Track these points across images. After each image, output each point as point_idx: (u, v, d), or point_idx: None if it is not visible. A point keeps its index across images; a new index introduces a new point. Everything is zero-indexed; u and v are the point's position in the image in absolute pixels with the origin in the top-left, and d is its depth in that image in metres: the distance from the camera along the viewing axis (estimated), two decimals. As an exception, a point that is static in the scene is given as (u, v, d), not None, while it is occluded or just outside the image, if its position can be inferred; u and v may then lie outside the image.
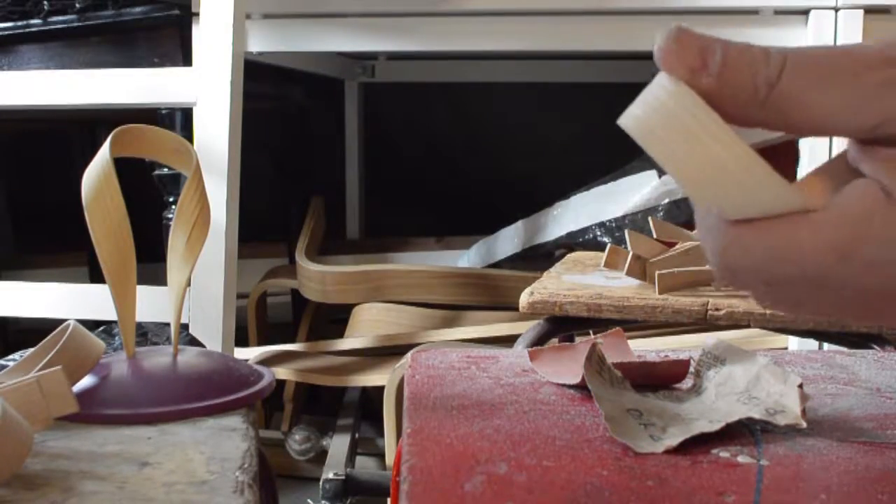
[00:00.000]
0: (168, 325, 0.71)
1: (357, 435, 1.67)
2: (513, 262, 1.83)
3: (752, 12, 1.44)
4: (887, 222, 0.29)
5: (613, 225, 1.65)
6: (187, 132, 1.33)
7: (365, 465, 1.63)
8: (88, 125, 2.14)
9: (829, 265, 0.29)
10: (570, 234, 1.70)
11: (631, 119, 0.30)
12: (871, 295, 0.29)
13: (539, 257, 1.77)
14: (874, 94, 0.29)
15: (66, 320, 0.52)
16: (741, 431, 0.44)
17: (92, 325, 1.36)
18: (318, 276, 1.71)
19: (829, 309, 0.31)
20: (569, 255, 1.16)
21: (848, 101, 0.29)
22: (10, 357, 1.10)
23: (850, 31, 1.40)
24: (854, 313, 0.31)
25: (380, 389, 1.48)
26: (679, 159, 0.30)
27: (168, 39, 1.45)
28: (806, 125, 0.30)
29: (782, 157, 0.33)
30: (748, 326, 0.85)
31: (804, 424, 0.44)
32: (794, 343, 1.39)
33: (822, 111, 0.29)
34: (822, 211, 0.29)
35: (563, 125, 2.38)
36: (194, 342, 1.26)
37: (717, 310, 0.83)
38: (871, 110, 0.29)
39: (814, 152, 1.35)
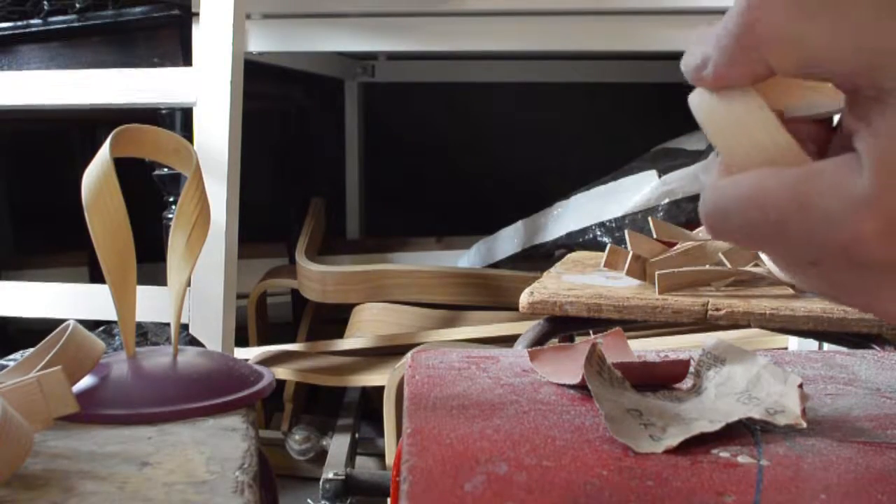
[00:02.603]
0: (168, 325, 0.71)
1: (357, 435, 1.67)
2: (513, 262, 1.83)
3: (752, 12, 1.43)
4: (842, 178, 0.28)
5: (613, 225, 1.65)
6: (187, 132, 1.33)
7: (365, 465, 1.63)
8: (88, 125, 2.14)
9: (789, 212, 0.29)
10: (570, 234, 1.70)
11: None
12: (826, 252, 0.29)
13: (539, 257, 1.77)
14: (863, 32, 0.27)
15: (66, 320, 0.52)
16: (741, 431, 0.44)
17: (92, 325, 1.36)
18: (318, 276, 1.71)
19: (791, 260, 0.31)
20: (569, 255, 1.16)
21: (837, 38, 0.28)
22: (10, 357, 1.10)
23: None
24: (812, 271, 0.31)
25: (380, 389, 1.48)
26: (723, 136, 0.32)
27: (168, 39, 1.45)
28: (793, 65, 0.29)
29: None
30: (748, 326, 0.85)
31: (804, 424, 0.44)
32: (794, 343, 1.39)
33: (811, 46, 0.28)
34: (796, 167, 0.30)
35: (564, 125, 2.38)
36: (194, 342, 1.26)
37: (717, 310, 0.83)
38: (862, 50, 0.28)
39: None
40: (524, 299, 0.89)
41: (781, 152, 0.31)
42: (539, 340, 0.90)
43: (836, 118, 0.34)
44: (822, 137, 0.33)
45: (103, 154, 0.54)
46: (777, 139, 0.31)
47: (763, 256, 0.88)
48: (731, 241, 0.33)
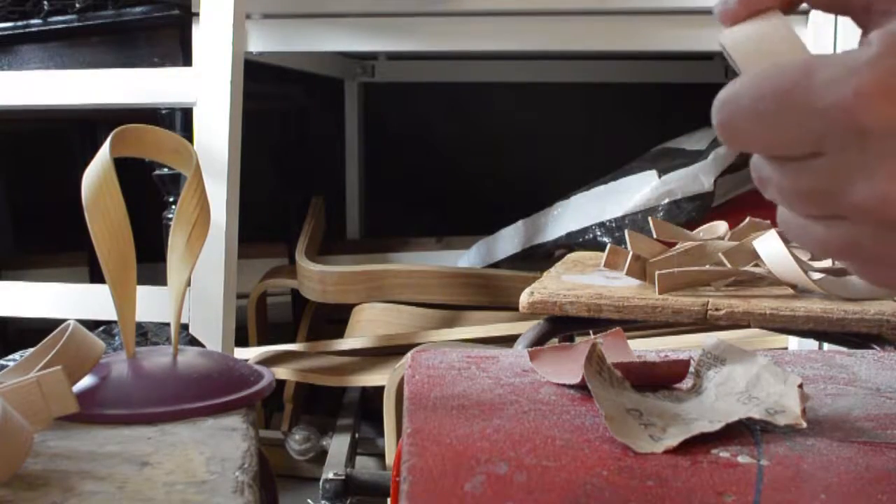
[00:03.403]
0: (168, 325, 0.71)
1: (357, 435, 1.67)
2: (513, 262, 1.83)
3: (752, 12, 1.43)
4: (847, 53, 0.29)
5: (613, 225, 1.65)
6: (187, 132, 1.33)
7: (365, 465, 1.63)
8: (88, 125, 2.14)
9: (796, 80, 0.30)
10: (570, 234, 1.70)
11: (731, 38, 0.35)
12: (829, 123, 0.29)
13: (539, 257, 1.77)
14: None
15: (66, 320, 0.52)
16: (741, 431, 0.44)
17: (92, 325, 1.36)
18: (318, 276, 1.71)
19: (794, 146, 0.31)
20: (569, 255, 1.16)
21: None
22: (10, 357, 1.10)
23: (851, 32, 1.40)
24: (813, 164, 0.31)
25: (380, 389, 1.48)
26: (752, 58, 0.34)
27: (168, 39, 1.45)
28: None
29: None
30: (748, 326, 0.85)
31: (804, 424, 0.44)
32: (794, 343, 1.39)
33: None
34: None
35: (563, 125, 2.38)
36: (194, 342, 1.26)
37: (717, 310, 0.83)
38: None
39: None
40: (524, 299, 0.89)
41: None
42: (539, 340, 0.90)
43: None
44: None
45: (103, 154, 0.54)
46: (799, 52, 0.33)
47: (762, 254, 0.88)
48: (739, 128, 0.32)
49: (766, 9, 0.33)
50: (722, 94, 0.32)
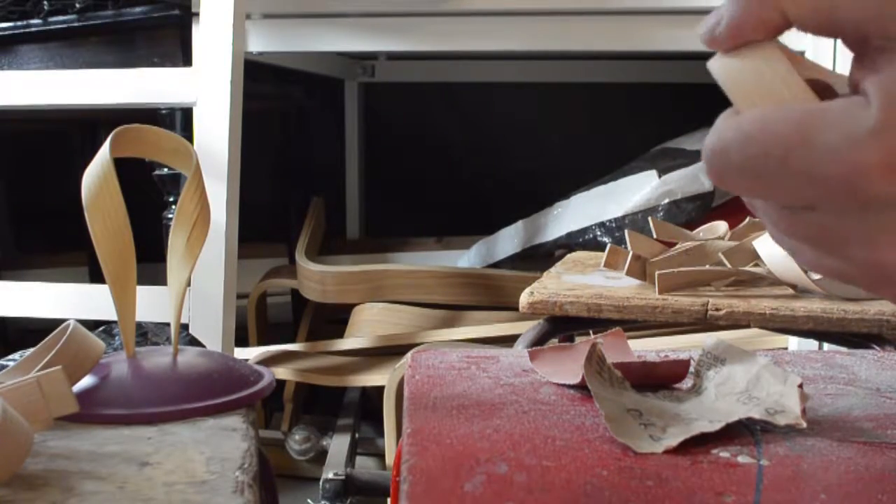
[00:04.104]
0: (168, 325, 0.71)
1: (357, 435, 1.67)
2: (513, 262, 1.83)
3: (752, 12, 1.43)
4: (849, 112, 0.28)
5: (613, 225, 1.65)
6: (187, 132, 1.33)
7: (365, 465, 1.63)
8: (88, 125, 2.14)
9: (791, 145, 0.29)
10: (570, 234, 1.70)
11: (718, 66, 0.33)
12: (826, 190, 0.29)
13: (539, 257, 1.77)
14: None
15: (66, 320, 0.52)
16: (741, 431, 0.44)
17: (92, 325, 1.36)
18: (318, 276, 1.71)
19: (787, 201, 0.31)
20: (569, 255, 1.16)
21: None
22: (10, 357, 1.10)
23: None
24: (807, 218, 0.30)
25: (380, 389, 1.48)
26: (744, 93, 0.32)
27: (168, 39, 1.45)
28: (809, 11, 0.29)
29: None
30: (748, 326, 0.85)
31: (804, 424, 0.44)
32: (794, 343, 1.39)
33: None
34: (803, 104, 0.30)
35: (563, 125, 2.38)
36: (194, 342, 1.27)
37: (717, 310, 0.83)
38: None
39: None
40: (524, 299, 0.89)
41: (798, 101, 0.31)
42: (539, 340, 0.90)
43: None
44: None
45: (103, 154, 0.54)
46: (794, 88, 0.31)
47: (762, 254, 0.88)
48: (730, 183, 0.31)
49: (757, 39, 0.31)
50: (712, 142, 0.31)
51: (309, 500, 1.50)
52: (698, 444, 0.42)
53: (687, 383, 0.52)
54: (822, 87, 0.32)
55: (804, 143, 0.29)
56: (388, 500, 1.12)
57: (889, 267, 0.29)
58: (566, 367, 0.53)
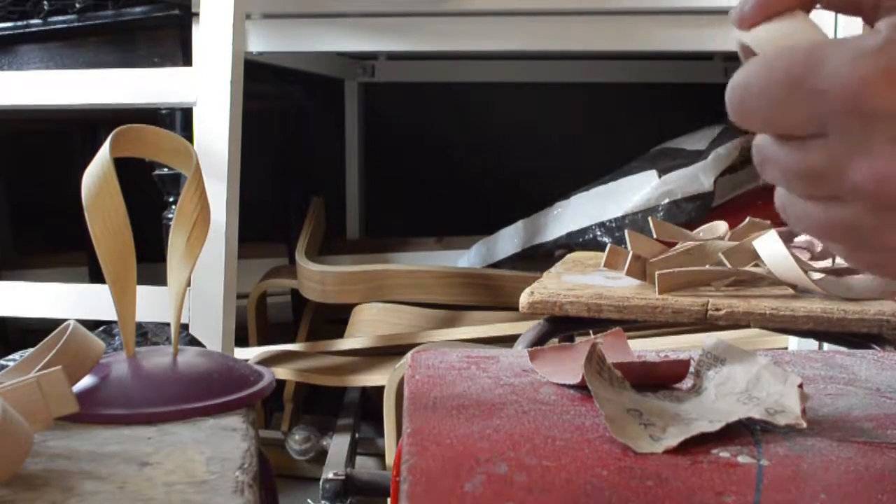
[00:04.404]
0: (168, 325, 0.71)
1: (357, 435, 1.67)
2: (513, 262, 1.83)
3: (752, 12, 1.43)
4: (856, 38, 0.30)
5: (613, 225, 1.65)
6: (187, 132, 1.33)
7: (365, 465, 1.63)
8: (88, 125, 2.14)
9: (804, 67, 0.30)
10: (570, 234, 1.70)
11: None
12: (835, 107, 0.30)
13: (539, 257, 1.77)
14: None
15: (66, 320, 0.52)
16: (741, 431, 0.44)
17: (92, 325, 1.36)
18: (318, 276, 1.71)
19: (799, 127, 0.32)
20: (569, 255, 1.16)
21: None
22: (10, 357, 1.10)
23: (850, 31, 1.40)
24: (817, 143, 0.32)
25: (380, 389, 1.48)
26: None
27: (168, 39, 1.45)
28: None
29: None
30: (748, 326, 0.85)
31: (804, 424, 0.44)
32: (794, 343, 1.39)
33: None
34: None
35: (563, 125, 2.38)
36: (194, 342, 1.26)
37: (717, 310, 0.83)
38: None
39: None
40: (524, 299, 0.89)
41: None
42: (539, 340, 0.90)
43: None
44: None
45: (103, 154, 0.54)
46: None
47: (762, 254, 0.88)
48: (749, 112, 0.33)
49: (785, 9, 0.33)
50: (736, 77, 0.33)
51: (309, 500, 1.50)
52: (698, 444, 0.42)
53: (687, 383, 0.52)
54: None
55: (817, 64, 0.30)
56: (388, 500, 1.12)
57: (888, 182, 0.30)
58: (566, 367, 0.53)
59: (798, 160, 0.32)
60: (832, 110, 0.30)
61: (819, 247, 0.94)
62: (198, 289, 1.28)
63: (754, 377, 0.48)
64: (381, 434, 1.50)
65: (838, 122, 0.30)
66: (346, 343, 1.74)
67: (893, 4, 0.31)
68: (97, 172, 0.54)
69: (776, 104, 0.32)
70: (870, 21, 0.32)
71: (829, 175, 0.31)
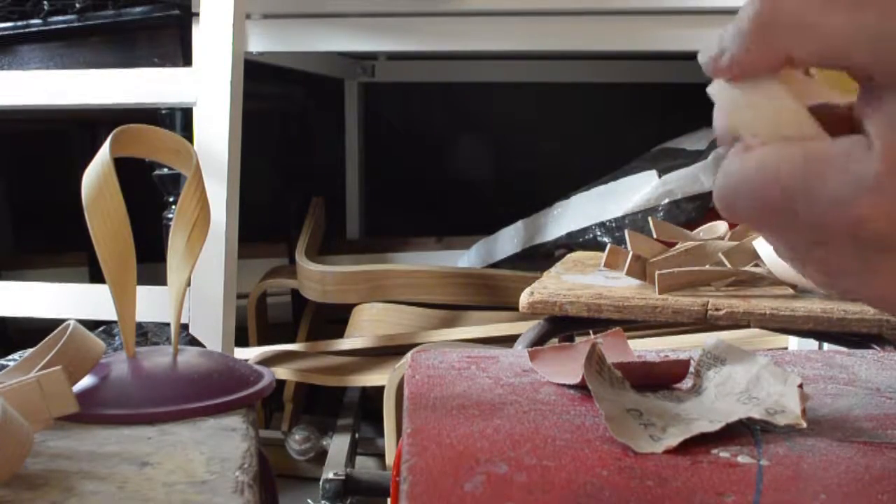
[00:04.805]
0: (168, 325, 0.71)
1: (357, 435, 1.67)
2: (513, 262, 1.83)
3: (752, 12, 1.43)
4: (850, 160, 0.29)
5: (613, 225, 1.65)
6: (187, 132, 1.33)
7: (365, 465, 1.63)
8: (88, 125, 2.14)
9: (796, 194, 0.30)
10: (570, 234, 1.70)
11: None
12: (831, 232, 0.30)
13: (539, 257, 1.77)
14: (882, 19, 0.28)
15: (66, 320, 0.52)
16: (741, 431, 0.44)
17: (92, 325, 1.36)
18: (318, 276, 1.71)
19: (796, 241, 0.31)
20: (569, 255, 1.16)
21: (855, 25, 0.28)
22: (10, 357, 1.10)
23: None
24: (816, 252, 0.31)
25: (380, 389, 1.48)
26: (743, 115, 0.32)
27: (168, 39, 1.45)
28: (812, 53, 0.29)
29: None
30: (748, 326, 0.85)
31: (804, 424, 0.44)
32: (794, 343, 1.39)
33: (828, 34, 0.29)
34: (807, 143, 0.30)
35: (563, 125, 2.38)
36: (194, 342, 1.26)
37: (717, 310, 0.83)
38: (880, 37, 0.28)
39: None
40: (524, 299, 0.89)
41: (803, 135, 0.31)
42: (539, 340, 0.90)
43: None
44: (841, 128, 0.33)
45: (103, 154, 0.54)
46: (801, 122, 0.31)
47: (762, 254, 0.88)
48: (741, 221, 0.33)
49: (763, 72, 0.31)
50: (721, 184, 0.32)
51: (309, 500, 1.50)
52: (698, 444, 0.42)
53: (687, 383, 0.52)
54: (829, 111, 0.33)
55: (808, 192, 0.29)
56: (388, 500, 1.12)
57: (889, 298, 0.31)
58: (566, 367, 0.53)
59: (799, 258, 0.32)
60: (829, 237, 0.30)
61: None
62: (198, 289, 1.28)
63: (754, 377, 0.48)
64: (381, 434, 1.50)
65: (837, 245, 0.30)
66: (346, 343, 1.74)
67: (887, 83, 0.29)
68: (97, 172, 0.54)
69: (769, 215, 0.31)
70: (857, 80, 0.31)
71: (831, 273, 0.31)
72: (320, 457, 1.58)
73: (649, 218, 1.18)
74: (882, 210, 0.28)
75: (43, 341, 0.52)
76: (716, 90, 0.32)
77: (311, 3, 1.53)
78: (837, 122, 0.32)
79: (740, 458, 0.41)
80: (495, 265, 1.85)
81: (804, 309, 0.82)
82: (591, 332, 0.95)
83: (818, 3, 0.29)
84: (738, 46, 0.31)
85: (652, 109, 2.31)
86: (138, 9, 1.44)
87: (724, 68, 0.31)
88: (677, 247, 0.94)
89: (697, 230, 1.05)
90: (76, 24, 1.47)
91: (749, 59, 0.31)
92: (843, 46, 0.29)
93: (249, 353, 1.72)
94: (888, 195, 0.28)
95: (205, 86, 1.30)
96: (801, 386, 0.45)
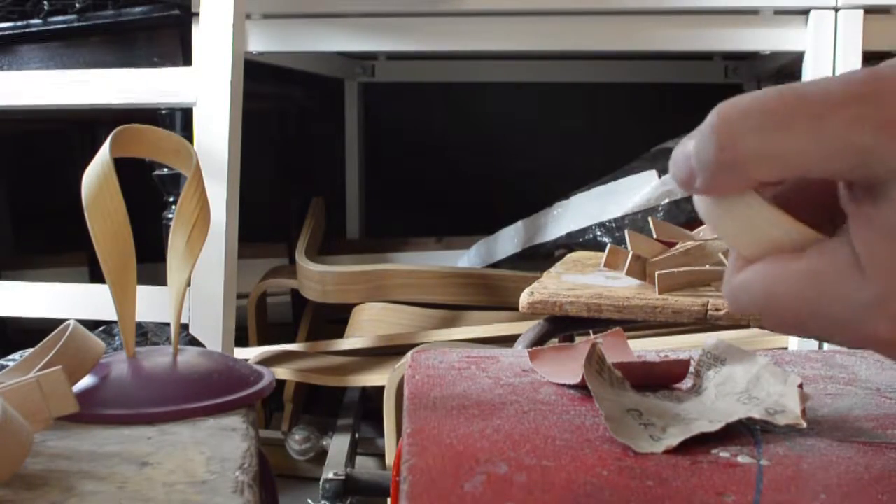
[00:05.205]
0: (168, 325, 0.71)
1: (357, 435, 1.67)
2: (513, 262, 1.83)
3: (753, 12, 1.44)
4: (846, 284, 0.29)
5: (613, 225, 1.65)
6: (187, 132, 1.33)
7: (365, 465, 1.63)
8: (88, 125, 2.14)
9: (802, 317, 0.31)
10: (570, 234, 1.70)
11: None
12: (839, 330, 0.31)
13: (539, 257, 1.77)
14: (844, 134, 0.28)
15: (66, 320, 0.52)
16: (741, 431, 0.44)
17: (92, 325, 1.36)
18: (318, 276, 1.71)
19: (814, 335, 0.33)
20: (569, 255, 1.16)
21: (817, 145, 0.28)
22: (10, 357, 1.10)
23: (850, 30, 1.40)
24: (834, 341, 0.33)
25: (380, 389, 1.48)
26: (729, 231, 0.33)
27: (168, 39, 1.45)
28: (779, 176, 0.30)
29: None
30: (748, 326, 0.85)
31: (804, 424, 0.44)
32: (794, 343, 1.39)
33: (792, 157, 0.29)
34: (799, 262, 0.31)
35: (563, 125, 2.38)
36: (194, 342, 1.26)
37: (717, 310, 0.83)
38: (845, 152, 0.28)
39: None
40: (524, 299, 0.89)
41: (791, 238, 0.31)
42: (539, 340, 0.90)
43: None
44: (829, 194, 0.33)
45: (103, 154, 0.54)
46: (784, 227, 0.31)
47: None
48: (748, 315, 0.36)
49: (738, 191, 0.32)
50: (729, 291, 0.33)
51: (309, 500, 1.50)
52: (698, 444, 0.42)
53: (687, 383, 0.52)
54: (803, 190, 0.34)
55: (813, 317, 0.31)
56: (388, 500, 1.12)
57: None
58: (566, 367, 0.53)
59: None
60: (854, 343, 0.31)
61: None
62: (198, 289, 1.28)
63: (754, 377, 0.48)
64: (381, 434, 1.50)
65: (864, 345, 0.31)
66: (346, 343, 1.74)
67: (862, 185, 0.29)
68: (97, 172, 0.54)
69: (786, 329, 0.33)
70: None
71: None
72: (320, 457, 1.58)
73: (649, 218, 1.18)
74: (889, 329, 0.29)
75: (43, 341, 0.51)
76: (698, 203, 0.33)
77: (311, 3, 1.53)
78: (816, 197, 0.33)
79: (740, 458, 0.41)
80: (495, 265, 1.85)
81: (804, 309, 0.82)
82: (591, 332, 0.95)
83: (776, 131, 0.29)
84: (704, 174, 0.31)
85: (652, 109, 2.31)
86: (138, 9, 1.44)
87: (697, 190, 0.32)
88: (677, 247, 0.94)
89: (697, 230, 1.05)
90: (76, 24, 1.47)
91: (718, 186, 0.31)
92: (810, 165, 0.29)
93: (249, 353, 1.72)
94: (890, 314, 0.29)
95: (205, 86, 1.30)
96: (801, 386, 0.45)
